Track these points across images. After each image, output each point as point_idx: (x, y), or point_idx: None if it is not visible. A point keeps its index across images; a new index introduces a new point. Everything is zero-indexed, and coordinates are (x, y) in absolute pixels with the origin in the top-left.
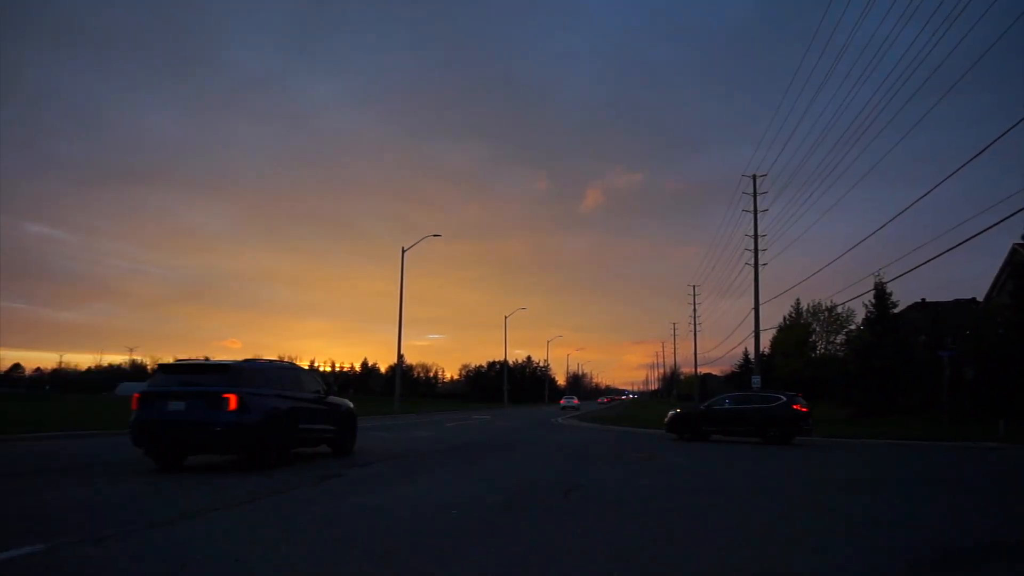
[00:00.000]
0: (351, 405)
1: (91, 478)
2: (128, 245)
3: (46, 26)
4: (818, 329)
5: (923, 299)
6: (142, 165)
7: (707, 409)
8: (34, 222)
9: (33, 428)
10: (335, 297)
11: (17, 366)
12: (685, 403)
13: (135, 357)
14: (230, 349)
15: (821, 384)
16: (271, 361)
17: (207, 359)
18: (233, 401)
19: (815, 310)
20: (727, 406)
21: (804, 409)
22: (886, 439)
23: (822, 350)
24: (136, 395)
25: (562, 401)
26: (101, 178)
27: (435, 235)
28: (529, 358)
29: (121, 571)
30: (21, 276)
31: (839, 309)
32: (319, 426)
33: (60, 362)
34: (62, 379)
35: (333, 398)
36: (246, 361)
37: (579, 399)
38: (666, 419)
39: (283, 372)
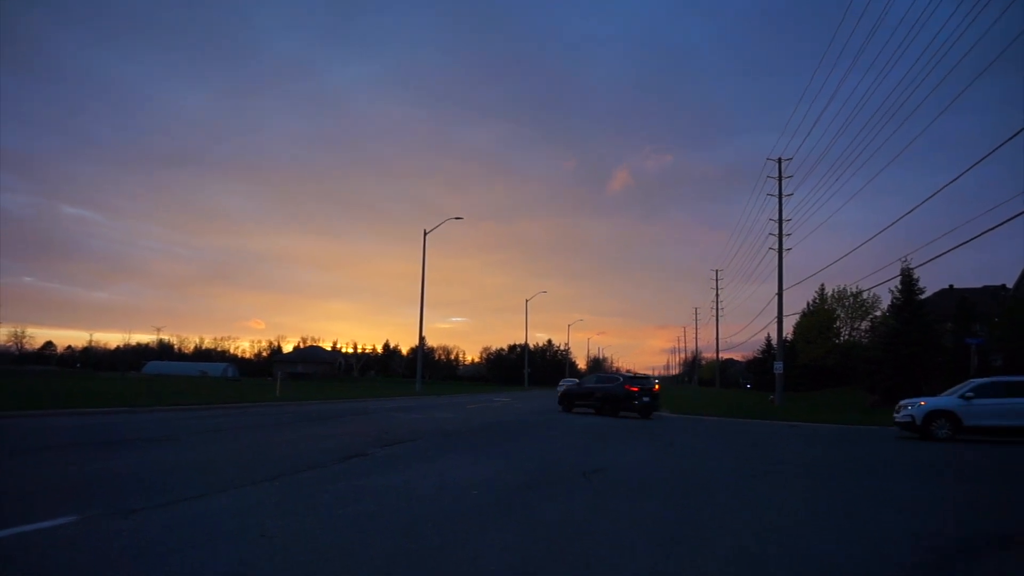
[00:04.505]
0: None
1: (122, 453)
2: (157, 226)
3: (84, 10)
4: (842, 315)
5: (951, 285)
6: (174, 148)
7: (577, 387)
8: (69, 203)
9: (64, 404)
10: (359, 279)
11: (49, 344)
12: (569, 382)
13: (162, 336)
14: (254, 329)
15: (845, 371)
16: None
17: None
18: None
19: (840, 296)
20: (590, 385)
21: (635, 389)
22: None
23: (846, 336)
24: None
25: None
26: (134, 160)
27: (457, 218)
28: (550, 341)
29: (151, 542)
30: (55, 256)
31: (864, 295)
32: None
33: (90, 340)
34: (92, 357)
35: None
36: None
37: None
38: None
39: None
